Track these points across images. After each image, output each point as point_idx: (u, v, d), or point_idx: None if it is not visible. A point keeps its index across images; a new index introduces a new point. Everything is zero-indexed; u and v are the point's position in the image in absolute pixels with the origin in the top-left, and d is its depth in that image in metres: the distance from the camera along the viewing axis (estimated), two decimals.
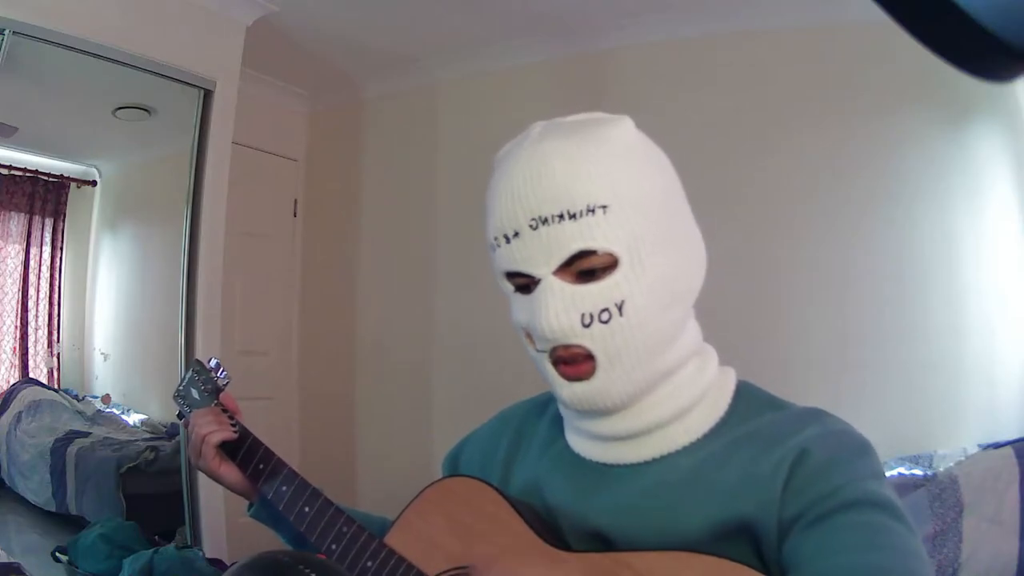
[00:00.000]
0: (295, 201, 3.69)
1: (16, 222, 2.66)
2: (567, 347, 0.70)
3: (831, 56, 2.64)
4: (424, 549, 0.78)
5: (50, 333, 2.74)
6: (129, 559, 2.25)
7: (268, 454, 0.91)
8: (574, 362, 0.71)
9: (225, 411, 0.96)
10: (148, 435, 2.74)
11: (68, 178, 2.80)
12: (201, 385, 0.99)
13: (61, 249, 2.79)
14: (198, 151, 2.71)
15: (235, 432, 0.92)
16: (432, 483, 0.82)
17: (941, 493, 2.04)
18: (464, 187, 3.17)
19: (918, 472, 2.19)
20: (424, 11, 2.87)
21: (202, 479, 2.55)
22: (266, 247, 3.51)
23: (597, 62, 3.04)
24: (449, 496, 0.80)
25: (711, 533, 0.68)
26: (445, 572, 0.77)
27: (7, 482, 2.51)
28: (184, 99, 2.68)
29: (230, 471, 0.93)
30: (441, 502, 0.80)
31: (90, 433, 2.65)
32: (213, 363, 1.00)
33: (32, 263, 2.70)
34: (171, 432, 2.72)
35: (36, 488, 2.51)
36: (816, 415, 0.72)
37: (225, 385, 0.99)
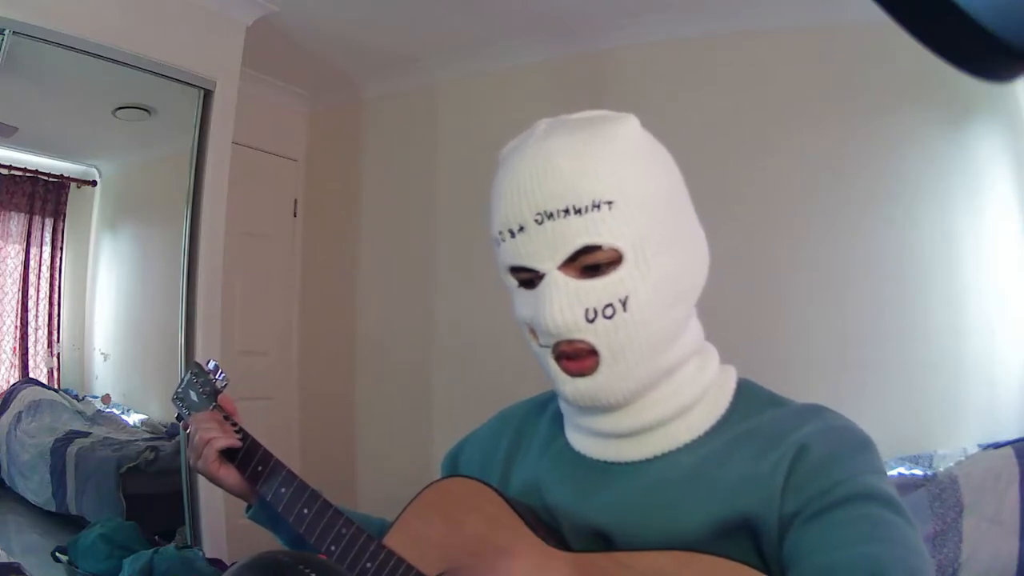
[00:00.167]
0: (295, 201, 3.69)
1: (16, 222, 2.66)
2: (571, 342, 0.70)
3: (831, 56, 2.64)
4: (423, 550, 0.78)
5: (50, 333, 2.74)
6: (129, 559, 2.25)
7: (267, 456, 0.91)
8: (577, 357, 0.71)
9: (224, 415, 0.97)
10: (148, 435, 2.74)
11: (68, 178, 2.80)
12: (200, 387, 0.99)
13: (61, 249, 2.79)
14: (198, 151, 2.71)
15: (239, 439, 0.93)
16: (430, 484, 0.82)
17: (941, 493, 2.04)
18: (464, 187, 3.17)
19: (918, 472, 2.19)
20: (424, 11, 2.87)
21: (202, 479, 2.54)
22: (266, 247, 3.51)
23: (597, 62, 3.04)
24: (447, 497, 0.80)
25: (712, 531, 0.68)
26: (444, 573, 0.77)
27: (7, 482, 2.51)
28: (184, 99, 2.68)
29: (229, 473, 0.93)
30: (439, 503, 0.80)
31: (90, 433, 2.65)
32: (211, 365, 1.00)
33: (32, 263, 2.70)
34: (171, 432, 2.72)
35: (36, 488, 2.51)
36: (817, 411, 0.72)
37: (224, 387, 0.99)
